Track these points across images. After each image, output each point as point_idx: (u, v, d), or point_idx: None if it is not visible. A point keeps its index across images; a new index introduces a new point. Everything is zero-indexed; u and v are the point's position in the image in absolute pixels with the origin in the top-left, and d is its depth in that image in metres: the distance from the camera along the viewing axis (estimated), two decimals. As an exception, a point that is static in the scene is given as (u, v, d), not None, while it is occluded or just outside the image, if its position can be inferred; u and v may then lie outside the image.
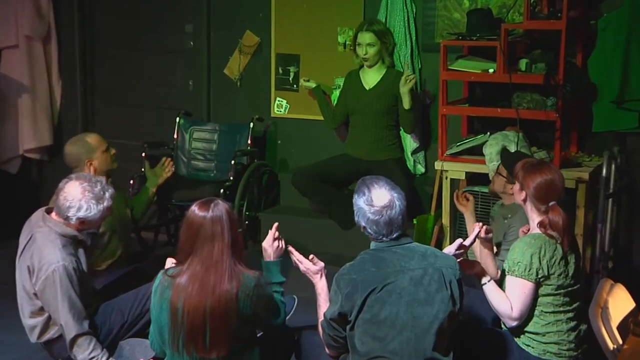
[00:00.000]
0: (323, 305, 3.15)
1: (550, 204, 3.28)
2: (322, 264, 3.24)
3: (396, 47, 5.25)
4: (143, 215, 4.99)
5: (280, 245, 3.37)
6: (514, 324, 3.26)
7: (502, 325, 3.40)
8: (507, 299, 3.25)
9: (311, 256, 3.27)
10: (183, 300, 2.96)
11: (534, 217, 3.35)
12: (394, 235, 2.97)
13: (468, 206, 4.14)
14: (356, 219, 3.02)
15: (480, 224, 3.46)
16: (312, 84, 5.37)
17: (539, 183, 3.30)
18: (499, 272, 3.55)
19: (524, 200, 3.36)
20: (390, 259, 2.93)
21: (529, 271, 3.21)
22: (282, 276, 3.35)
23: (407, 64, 5.15)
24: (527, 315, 3.27)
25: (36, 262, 3.47)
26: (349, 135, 5.35)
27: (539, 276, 3.22)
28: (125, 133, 6.09)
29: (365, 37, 5.09)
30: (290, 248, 3.32)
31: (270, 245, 3.35)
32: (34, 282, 3.48)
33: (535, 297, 3.25)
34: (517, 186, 3.39)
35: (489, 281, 3.29)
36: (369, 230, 2.99)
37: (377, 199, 2.95)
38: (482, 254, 3.59)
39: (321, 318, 3.11)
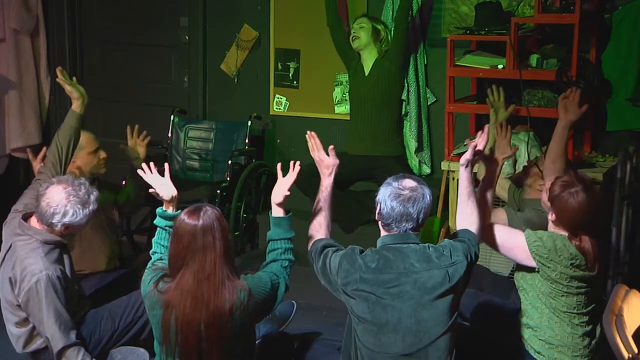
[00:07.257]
0: (320, 218, 3.35)
1: (579, 233, 3.29)
2: (336, 160, 3.37)
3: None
4: (128, 201, 4.61)
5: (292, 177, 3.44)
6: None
7: (517, 331, 3.41)
8: (486, 219, 3.30)
9: (331, 147, 3.39)
10: (175, 316, 2.94)
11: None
12: (404, 228, 2.99)
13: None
14: (377, 197, 3.08)
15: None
16: None
17: (570, 212, 3.27)
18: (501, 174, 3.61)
19: (553, 222, 3.36)
20: (395, 260, 2.96)
21: (535, 244, 3.24)
22: (291, 230, 3.34)
23: None
24: (541, 320, 3.30)
25: (18, 273, 3.44)
26: (349, 130, 5.37)
27: (540, 256, 3.23)
28: (117, 131, 6.06)
29: (359, 21, 5.23)
30: (312, 133, 3.45)
31: (285, 190, 3.37)
32: (17, 293, 3.46)
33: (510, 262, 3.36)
34: (548, 203, 3.37)
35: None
36: (384, 210, 3.01)
37: (406, 183, 3.04)
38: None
39: (312, 235, 3.25)
